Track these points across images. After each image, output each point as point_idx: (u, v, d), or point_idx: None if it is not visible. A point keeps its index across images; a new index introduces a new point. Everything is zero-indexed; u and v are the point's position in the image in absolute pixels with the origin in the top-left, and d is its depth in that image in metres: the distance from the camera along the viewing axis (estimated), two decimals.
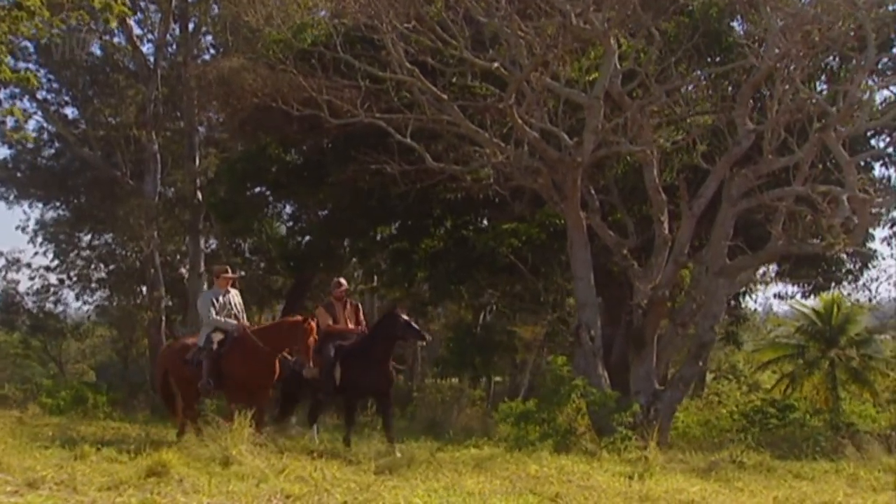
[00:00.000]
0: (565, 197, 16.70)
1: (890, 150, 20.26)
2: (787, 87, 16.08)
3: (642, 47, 16.84)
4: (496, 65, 15.87)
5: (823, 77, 19.84)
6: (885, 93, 19.28)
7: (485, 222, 23.07)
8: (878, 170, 20.82)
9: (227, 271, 12.36)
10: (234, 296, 12.15)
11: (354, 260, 26.70)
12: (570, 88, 16.70)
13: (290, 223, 28.56)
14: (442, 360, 25.36)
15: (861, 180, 17.01)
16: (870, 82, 18.67)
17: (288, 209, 28.37)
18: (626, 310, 17.59)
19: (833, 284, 23.17)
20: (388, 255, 23.31)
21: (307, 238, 24.38)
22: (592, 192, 17.99)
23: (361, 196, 20.30)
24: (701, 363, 17.57)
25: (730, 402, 28.02)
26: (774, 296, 26.73)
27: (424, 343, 13.14)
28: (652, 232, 17.31)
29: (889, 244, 24.80)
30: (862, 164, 19.47)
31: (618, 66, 16.49)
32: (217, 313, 11.77)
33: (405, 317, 12.57)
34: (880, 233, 24.86)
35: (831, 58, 18.50)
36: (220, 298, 11.94)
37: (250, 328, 11.99)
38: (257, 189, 24.23)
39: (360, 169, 17.92)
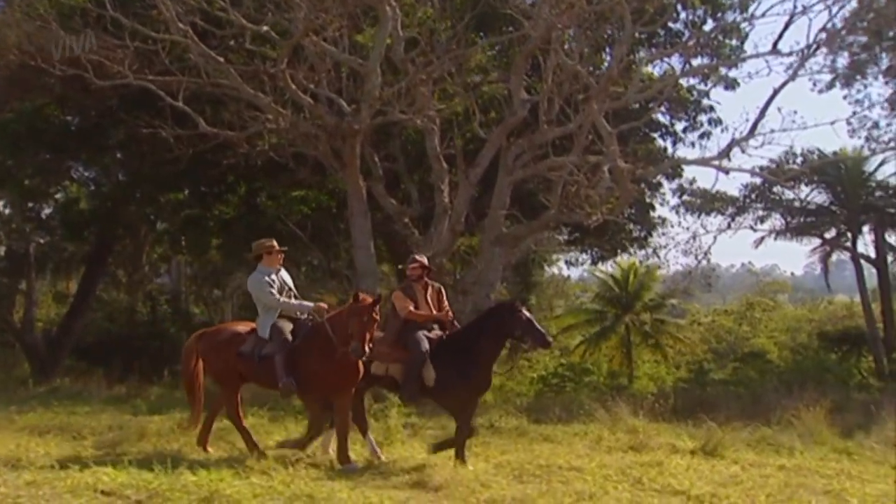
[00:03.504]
0: (344, 164, 16.57)
1: (665, 119, 21.01)
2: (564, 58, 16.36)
3: (424, 14, 16.83)
4: (265, 28, 15.51)
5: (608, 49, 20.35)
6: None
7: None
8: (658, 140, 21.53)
9: (274, 245, 9.98)
10: (285, 274, 10.00)
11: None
12: (348, 55, 16.50)
13: (93, 188, 27.48)
14: None
15: (635, 150, 17.68)
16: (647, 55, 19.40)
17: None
18: None
19: (619, 252, 24.00)
20: (179, 221, 22.61)
21: (95, 203, 23.34)
22: (376, 159, 17.94)
23: (147, 161, 19.58)
24: None
25: (539, 366, 28.91)
26: (565, 262, 27.43)
27: (547, 349, 10.25)
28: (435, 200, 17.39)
29: (677, 213, 26.05)
30: (641, 134, 20.24)
31: (400, 33, 16.44)
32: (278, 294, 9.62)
33: (527, 313, 9.82)
34: (674, 201, 26.13)
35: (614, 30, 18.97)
36: (275, 278, 9.71)
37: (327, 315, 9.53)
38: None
39: (131, 133, 17.25)
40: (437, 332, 9.93)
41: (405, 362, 9.58)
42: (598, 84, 15.38)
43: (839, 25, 17.03)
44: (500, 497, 7.65)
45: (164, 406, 15.04)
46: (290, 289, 9.78)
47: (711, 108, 21.34)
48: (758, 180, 25.32)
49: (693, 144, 22.05)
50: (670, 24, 19.42)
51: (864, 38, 21.28)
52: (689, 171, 24.57)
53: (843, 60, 22.75)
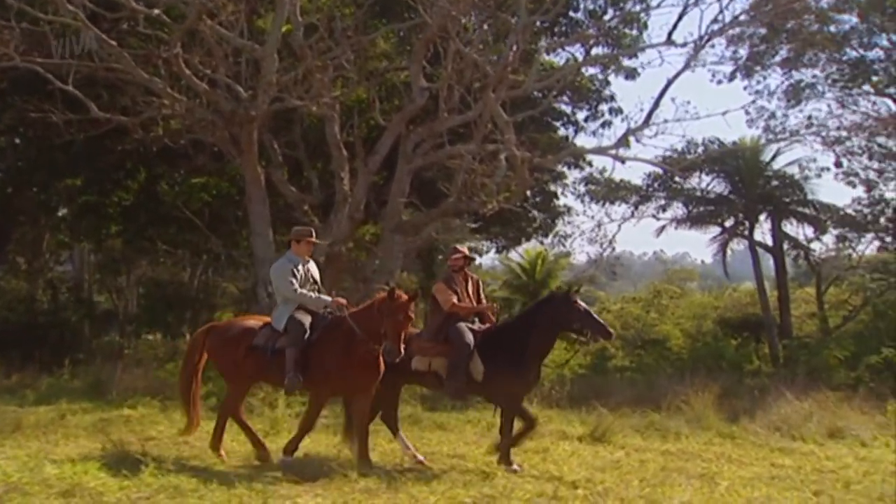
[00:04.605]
0: (242, 151, 16.36)
1: (567, 109, 21.22)
2: (465, 47, 16.35)
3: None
4: (157, 11, 15.19)
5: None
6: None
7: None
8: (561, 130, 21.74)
9: (311, 234, 9.49)
10: (313, 266, 9.47)
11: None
12: (245, 41, 16.25)
13: None
14: (135, 318, 24.42)
15: (536, 139, 17.77)
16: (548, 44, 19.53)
17: None
18: None
19: (522, 240, 24.19)
20: (75, 208, 22.04)
21: None
22: (276, 146, 17.74)
23: (38, 146, 19.02)
24: None
25: None
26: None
27: (610, 339, 9.69)
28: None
29: (583, 202, 26.35)
30: (543, 123, 20.40)
31: (299, 18, 16.27)
32: (300, 287, 9.09)
33: (583, 304, 9.33)
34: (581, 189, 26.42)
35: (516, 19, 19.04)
36: (300, 268, 9.17)
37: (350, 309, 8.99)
38: None
39: (21, 117, 16.74)
40: (479, 325, 9.49)
41: (449, 356, 9.15)
42: (495, 73, 15.42)
43: (730, 18, 17.34)
44: (376, 486, 7.64)
45: (53, 396, 14.73)
46: (314, 282, 9.29)
47: (612, 98, 21.67)
48: (659, 170, 25.74)
49: (594, 133, 22.38)
50: (571, 14, 19.59)
51: (763, 30, 21.75)
52: (598, 161, 24.90)
53: (744, 52, 23.26)
